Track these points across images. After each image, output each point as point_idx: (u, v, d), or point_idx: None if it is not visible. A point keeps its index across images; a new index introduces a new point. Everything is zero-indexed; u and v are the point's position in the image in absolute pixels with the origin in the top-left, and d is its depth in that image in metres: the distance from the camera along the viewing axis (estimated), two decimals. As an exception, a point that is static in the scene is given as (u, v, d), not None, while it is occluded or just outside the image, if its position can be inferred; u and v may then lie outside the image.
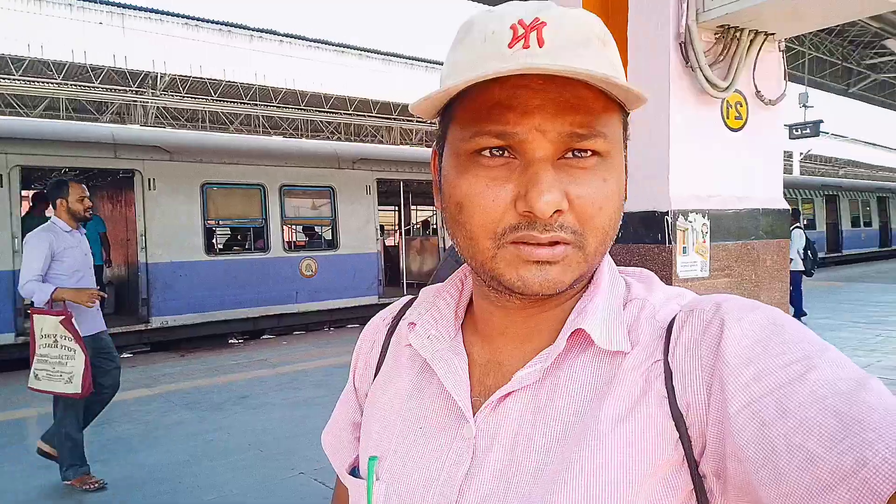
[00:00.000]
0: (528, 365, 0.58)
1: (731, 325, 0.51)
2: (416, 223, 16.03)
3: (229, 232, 10.67)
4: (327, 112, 23.32)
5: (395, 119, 25.13)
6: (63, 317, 3.70)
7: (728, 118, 3.18)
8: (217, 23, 18.35)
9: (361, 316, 10.86)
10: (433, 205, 10.12)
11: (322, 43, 20.08)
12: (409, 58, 22.60)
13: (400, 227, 13.62)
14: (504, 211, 0.52)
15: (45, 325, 3.73)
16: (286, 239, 10.07)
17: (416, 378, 0.66)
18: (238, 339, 9.73)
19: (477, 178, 0.53)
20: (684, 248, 2.92)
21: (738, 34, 3.08)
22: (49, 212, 4.64)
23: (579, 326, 0.56)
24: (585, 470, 0.51)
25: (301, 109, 22.76)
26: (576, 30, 0.52)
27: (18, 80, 17.24)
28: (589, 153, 0.53)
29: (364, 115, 24.13)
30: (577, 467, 0.51)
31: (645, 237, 2.95)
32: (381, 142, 26.31)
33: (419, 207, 16.37)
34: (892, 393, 0.44)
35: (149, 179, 8.47)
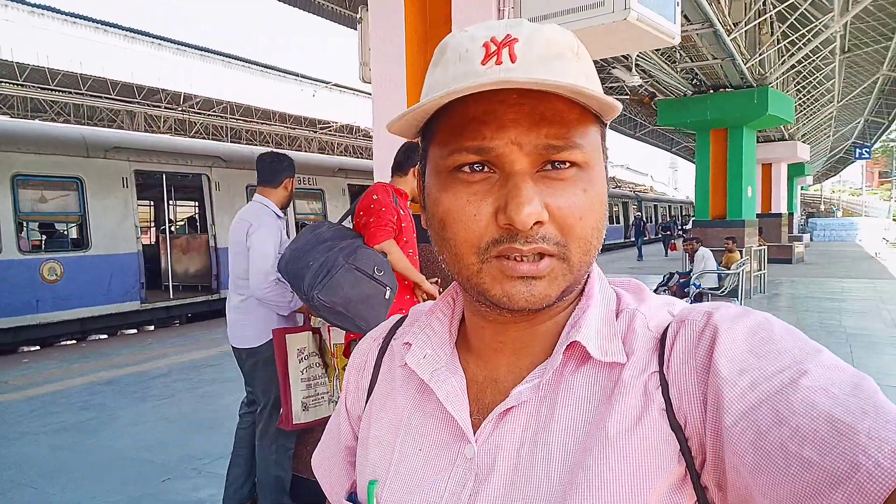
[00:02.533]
0: (525, 380, 0.58)
1: (722, 335, 0.52)
2: (181, 220, 14.69)
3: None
4: (53, 90, 20.13)
5: (139, 103, 22.65)
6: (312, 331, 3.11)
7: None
8: None
9: (121, 324, 9.70)
10: (201, 199, 9.36)
11: (48, 10, 17.25)
12: (155, 36, 20.53)
13: (162, 224, 12.39)
14: (486, 225, 0.53)
15: (309, 344, 3.07)
16: (21, 238, 8.53)
17: (412, 399, 0.65)
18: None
19: (457, 195, 0.54)
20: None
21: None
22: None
23: (574, 339, 0.56)
24: (592, 485, 0.51)
25: (18, 86, 19.32)
26: (547, 44, 0.53)
27: None
28: (567, 164, 0.53)
29: (101, 97, 21.33)
30: (584, 483, 0.51)
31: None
32: (120, 127, 23.51)
33: (180, 203, 15.01)
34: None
35: None
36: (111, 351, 8.19)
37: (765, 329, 0.52)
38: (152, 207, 14.69)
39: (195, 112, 24.75)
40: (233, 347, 3.22)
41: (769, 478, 0.44)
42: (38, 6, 17.07)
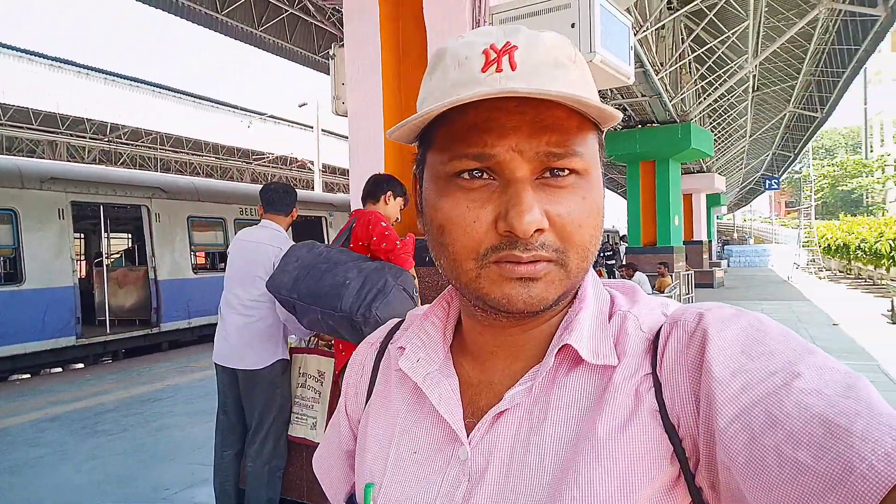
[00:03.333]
0: (519, 383, 0.59)
1: (714, 336, 0.52)
2: (118, 252, 14.18)
3: None
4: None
5: (62, 133, 21.83)
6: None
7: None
8: None
9: (55, 361, 9.27)
10: (140, 231, 9.08)
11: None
12: (82, 66, 19.95)
13: (99, 256, 11.97)
14: (486, 232, 0.53)
15: (305, 364, 3.25)
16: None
17: (407, 402, 0.66)
18: None
19: (457, 201, 0.54)
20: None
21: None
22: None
23: (566, 342, 0.57)
24: (582, 487, 0.51)
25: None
26: (546, 52, 0.53)
27: None
28: (566, 172, 0.54)
29: (22, 127, 20.45)
30: (574, 485, 0.52)
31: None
32: (41, 158, 22.53)
33: (119, 235, 14.51)
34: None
35: None
36: (49, 388, 7.83)
37: (757, 329, 0.52)
38: (83, 240, 14.15)
39: (122, 143, 24.05)
40: (222, 368, 3.26)
41: (762, 481, 0.44)
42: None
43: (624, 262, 12.52)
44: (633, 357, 0.56)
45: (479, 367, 0.63)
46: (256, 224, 3.39)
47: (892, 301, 12.71)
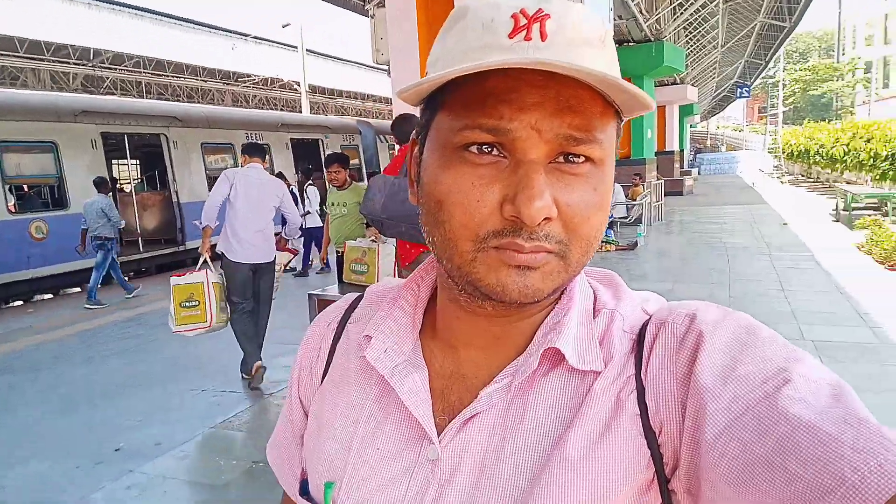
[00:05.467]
0: (495, 381, 0.56)
1: (706, 342, 0.50)
2: (139, 178, 15.04)
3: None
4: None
5: (46, 60, 21.89)
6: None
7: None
8: None
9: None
10: (160, 158, 10.08)
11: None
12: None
13: (116, 182, 12.92)
14: (489, 213, 0.49)
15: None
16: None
17: (372, 393, 0.62)
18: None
19: (462, 175, 0.50)
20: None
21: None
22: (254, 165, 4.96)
23: (553, 345, 0.54)
24: (554, 493, 0.50)
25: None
26: (579, 26, 0.48)
27: None
28: (582, 159, 0.49)
29: (6, 55, 20.52)
30: (546, 489, 0.50)
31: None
32: (24, 86, 22.67)
33: (139, 162, 15.31)
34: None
35: None
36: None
37: (748, 333, 0.51)
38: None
39: (104, 67, 24.12)
40: (248, 266, 4.86)
41: (753, 491, 0.43)
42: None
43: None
44: (617, 360, 0.54)
45: (451, 358, 0.60)
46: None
47: (836, 201, 14.24)
